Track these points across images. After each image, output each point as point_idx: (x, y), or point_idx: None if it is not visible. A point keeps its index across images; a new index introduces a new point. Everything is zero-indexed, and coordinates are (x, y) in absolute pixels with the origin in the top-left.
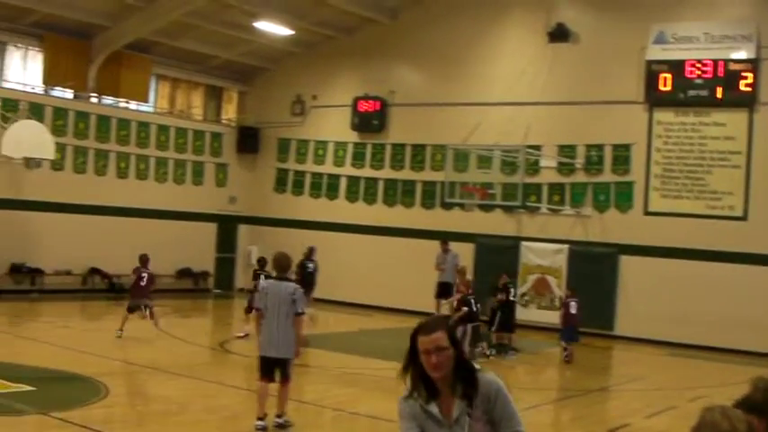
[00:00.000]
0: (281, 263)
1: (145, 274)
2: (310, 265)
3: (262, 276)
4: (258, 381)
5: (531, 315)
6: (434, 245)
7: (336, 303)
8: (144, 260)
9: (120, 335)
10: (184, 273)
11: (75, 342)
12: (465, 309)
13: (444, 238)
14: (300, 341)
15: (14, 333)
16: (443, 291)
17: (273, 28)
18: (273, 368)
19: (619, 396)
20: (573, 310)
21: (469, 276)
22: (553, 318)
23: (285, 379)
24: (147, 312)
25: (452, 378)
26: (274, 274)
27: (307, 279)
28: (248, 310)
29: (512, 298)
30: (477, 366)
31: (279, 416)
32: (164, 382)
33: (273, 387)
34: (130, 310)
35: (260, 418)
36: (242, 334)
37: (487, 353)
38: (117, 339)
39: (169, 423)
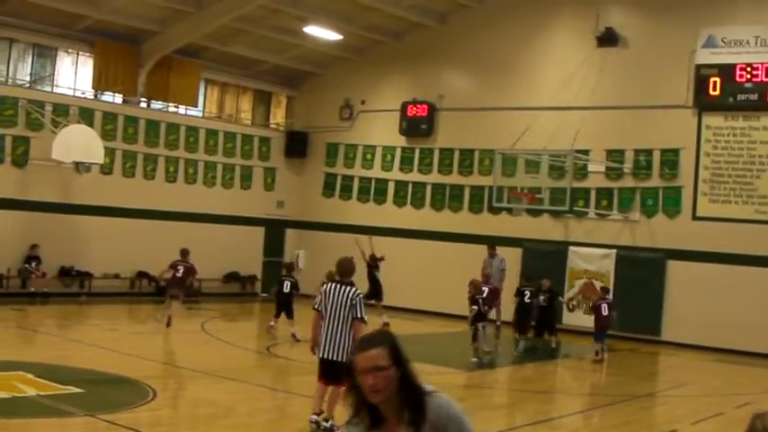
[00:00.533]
0: (344, 267)
1: (181, 267)
2: (376, 273)
3: (286, 282)
4: (317, 382)
5: (578, 320)
6: (482, 249)
7: (385, 308)
8: (183, 253)
9: (159, 320)
10: (232, 277)
11: (122, 345)
12: (474, 308)
13: (492, 242)
14: None
15: (63, 336)
16: (490, 296)
17: (322, 33)
18: (331, 370)
19: (666, 402)
20: (605, 312)
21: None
22: None
23: (338, 382)
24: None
25: (397, 402)
26: (337, 278)
27: (373, 286)
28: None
29: (527, 300)
30: (428, 389)
31: (326, 420)
32: (210, 386)
33: None
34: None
35: (315, 414)
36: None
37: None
38: (164, 343)
39: (215, 426)
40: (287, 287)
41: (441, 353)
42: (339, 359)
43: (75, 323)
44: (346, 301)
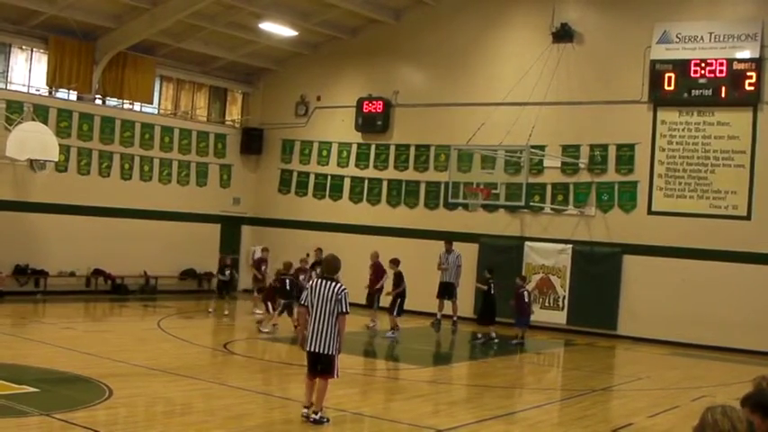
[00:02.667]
0: (331, 265)
1: None
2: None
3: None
4: (306, 376)
5: (535, 315)
6: (438, 245)
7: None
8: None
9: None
10: (188, 273)
11: (78, 343)
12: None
13: (448, 237)
14: (343, 338)
15: (18, 334)
16: (446, 291)
17: (277, 29)
18: (317, 363)
19: (622, 395)
20: (526, 299)
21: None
22: (557, 318)
23: (324, 374)
24: None
25: None
26: (324, 274)
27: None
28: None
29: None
30: None
31: (315, 412)
32: (167, 384)
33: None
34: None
35: (305, 407)
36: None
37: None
38: (120, 341)
39: (172, 424)
40: (287, 284)
41: (398, 349)
42: (326, 352)
43: (30, 322)
44: (332, 296)
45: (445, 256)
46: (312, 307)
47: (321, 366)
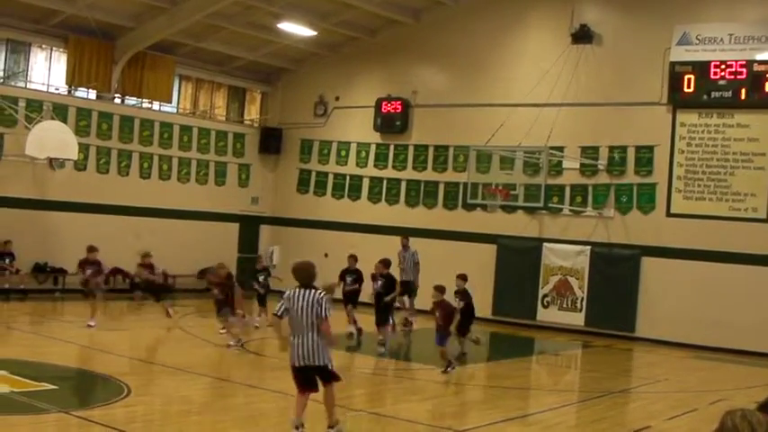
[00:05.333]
0: (308, 272)
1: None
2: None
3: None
4: (297, 393)
5: (553, 316)
6: (457, 246)
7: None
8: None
9: None
10: (206, 273)
11: (97, 341)
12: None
13: (405, 233)
14: (331, 343)
15: (37, 332)
16: (406, 289)
17: (296, 29)
18: (311, 378)
19: (640, 398)
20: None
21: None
22: (575, 319)
23: (327, 381)
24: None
25: None
26: (301, 282)
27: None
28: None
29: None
30: None
31: (330, 426)
32: (184, 382)
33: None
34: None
35: (296, 427)
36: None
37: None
38: (139, 339)
39: (189, 423)
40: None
41: (415, 349)
42: (318, 364)
43: (49, 319)
44: (312, 304)
45: (402, 254)
46: (292, 319)
47: (316, 379)
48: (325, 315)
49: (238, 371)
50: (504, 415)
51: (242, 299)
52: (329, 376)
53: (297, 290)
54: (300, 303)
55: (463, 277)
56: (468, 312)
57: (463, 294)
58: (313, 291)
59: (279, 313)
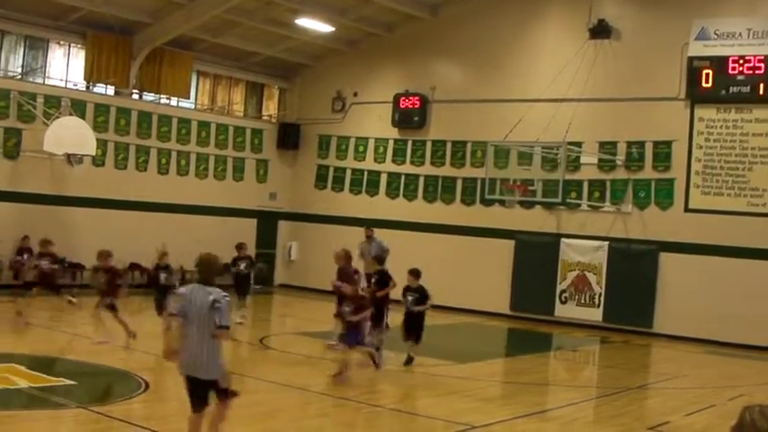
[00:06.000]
0: (209, 266)
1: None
2: (242, 265)
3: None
4: (190, 411)
5: (571, 312)
6: (475, 241)
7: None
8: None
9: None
10: (224, 268)
11: (114, 337)
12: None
13: (369, 224)
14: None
15: (55, 327)
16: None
17: (314, 25)
18: (200, 392)
19: (658, 394)
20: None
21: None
22: (593, 315)
23: (220, 397)
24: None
25: None
26: (200, 277)
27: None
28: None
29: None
30: None
31: None
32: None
33: None
34: None
35: None
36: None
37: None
38: (157, 334)
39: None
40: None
41: (433, 345)
42: (206, 377)
43: (67, 315)
44: (208, 306)
45: (366, 246)
46: (186, 319)
47: (206, 394)
48: (225, 324)
49: (258, 366)
50: (522, 411)
51: None
52: (222, 393)
53: (194, 286)
54: (197, 303)
55: (415, 273)
56: (420, 314)
57: (417, 291)
58: (212, 291)
59: (176, 312)
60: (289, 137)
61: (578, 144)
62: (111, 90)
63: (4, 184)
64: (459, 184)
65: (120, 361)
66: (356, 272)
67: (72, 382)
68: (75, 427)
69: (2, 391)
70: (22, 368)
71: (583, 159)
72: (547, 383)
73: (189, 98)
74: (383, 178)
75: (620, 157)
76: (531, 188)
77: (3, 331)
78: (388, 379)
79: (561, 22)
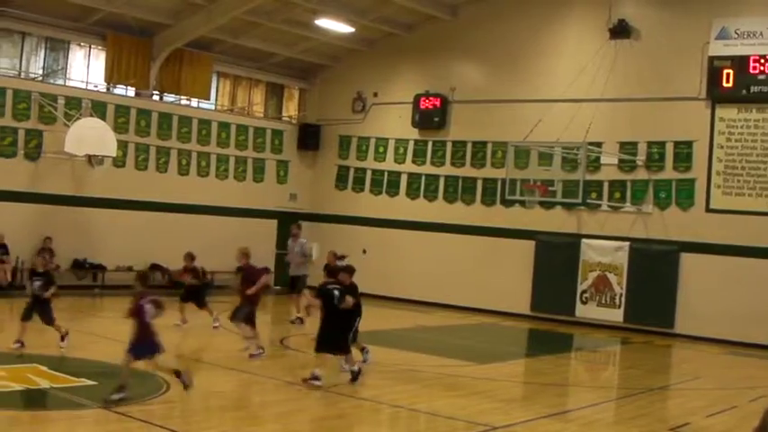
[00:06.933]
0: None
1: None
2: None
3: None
4: None
5: (592, 313)
6: (495, 242)
7: (395, 300)
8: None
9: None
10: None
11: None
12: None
13: (296, 222)
14: None
15: (76, 328)
16: (294, 286)
17: (334, 25)
18: None
19: (680, 395)
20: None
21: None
22: (614, 315)
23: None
24: None
25: None
26: None
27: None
28: None
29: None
30: None
31: None
32: (223, 378)
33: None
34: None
35: None
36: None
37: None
38: (177, 335)
39: (227, 419)
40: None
41: (454, 345)
42: None
43: (88, 315)
44: None
45: (291, 245)
46: None
47: None
48: None
49: (278, 367)
50: (543, 411)
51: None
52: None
53: None
54: None
55: (349, 270)
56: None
57: (350, 289)
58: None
59: None
60: (309, 138)
61: (599, 144)
62: (131, 91)
63: (25, 184)
64: (479, 184)
65: (140, 361)
66: (263, 270)
67: (93, 383)
68: (96, 427)
69: (24, 392)
70: (44, 368)
71: (603, 160)
72: (568, 384)
73: (209, 99)
74: (403, 179)
75: (641, 158)
76: (551, 188)
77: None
78: (408, 379)
79: (581, 22)
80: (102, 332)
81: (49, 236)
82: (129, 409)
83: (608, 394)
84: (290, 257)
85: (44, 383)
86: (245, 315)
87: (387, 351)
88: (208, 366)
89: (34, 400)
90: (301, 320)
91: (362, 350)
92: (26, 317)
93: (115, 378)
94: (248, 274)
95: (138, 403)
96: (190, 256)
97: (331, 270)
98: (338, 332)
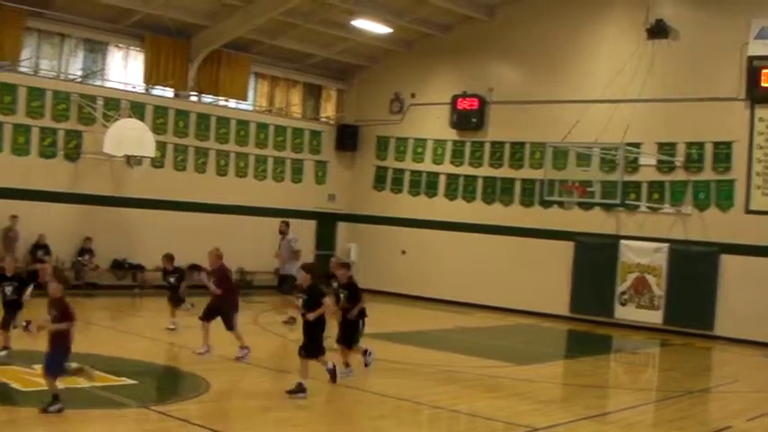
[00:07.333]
0: None
1: None
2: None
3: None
4: None
5: (631, 314)
6: (533, 243)
7: (434, 301)
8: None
9: None
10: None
11: (175, 337)
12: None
13: (284, 218)
14: None
15: (116, 328)
16: (282, 284)
17: (371, 26)
18: None
19: (720, 398)
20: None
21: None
22: (653, 317)
23: None
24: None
25: None
26: None
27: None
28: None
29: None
30: None
31: None
32: (262, 378)
33: None
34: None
35: None
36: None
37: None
38: (217, 335)
39: (267, 419)
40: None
41: (493, 346)
42: None
43: (127, 315)
44: None
45: (280, 242)
46: None
47: None
48: None
49: (318, 368)
50: (582, 413)
51: None
52: None
53: None
54: None
55: (346, 266)
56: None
57: (348, 287)
58: None
59: None
60: (347, 138)
61: (637, 145)
62: (169, 92)
63: (64, 185)
64: (517, 185)
65: (180, 361)
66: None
67: (133, 382)
68: (136, 426)
69: (65, 391)
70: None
71: (641, 160)
72: (607, 386)
73: (247, 100)
74: (441, 179)
75: (680, 159)
76: (589, 189)
77: None
78: (449, 380)
79: (618, 22)
80: (141, 332)
81: (89, 236)
82: (169, 408)
83: (647, 396)
84: (278, 255)
85: (84, 383)
86: (232, 319)
87: (427, 352)
88: (250, 367)
89: (75, 399)
90: (294, 320)
91: (365, 353)
92: (4, 326)
93: (154, 377)
94: (222, 275)
95: (179, 402)
96: (169, 258)
97: (328, 275)
98: (312, 335)
